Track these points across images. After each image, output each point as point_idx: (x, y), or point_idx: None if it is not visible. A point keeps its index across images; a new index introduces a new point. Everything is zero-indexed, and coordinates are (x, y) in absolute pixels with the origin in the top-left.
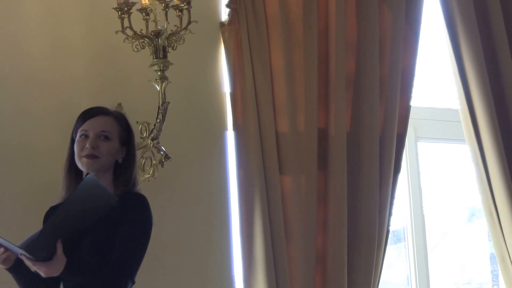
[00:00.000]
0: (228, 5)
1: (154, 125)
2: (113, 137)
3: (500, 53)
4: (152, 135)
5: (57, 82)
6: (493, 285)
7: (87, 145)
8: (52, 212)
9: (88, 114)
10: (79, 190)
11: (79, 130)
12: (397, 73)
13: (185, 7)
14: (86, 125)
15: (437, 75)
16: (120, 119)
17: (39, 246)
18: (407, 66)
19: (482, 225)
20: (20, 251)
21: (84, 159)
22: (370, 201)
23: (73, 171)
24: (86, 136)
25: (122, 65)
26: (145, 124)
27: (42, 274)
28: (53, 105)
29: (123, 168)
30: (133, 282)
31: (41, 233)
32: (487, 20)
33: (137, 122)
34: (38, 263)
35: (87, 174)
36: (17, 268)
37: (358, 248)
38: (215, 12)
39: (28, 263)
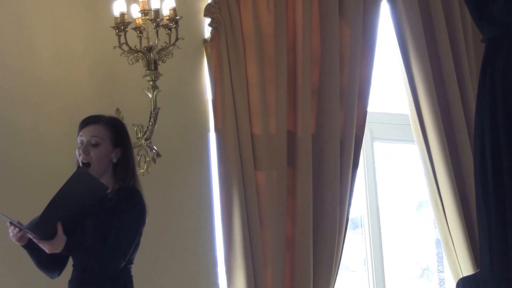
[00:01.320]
0: (210, 24)
1: (147, 127)
2: (102, 142)
3: (444, 65)
4: (145, 136)
5: (63, 87)
6: (438, 266)
7: (81, 152)
8: (78, 172)
9: (83, 123)
10: (71, 180)
11: (78, 137)
12: (355, 83)
13: (173, 26)
14: (81, 133)
15: (390, 84)
16: (109, 125)
17: (40, 227)
18: (364, 76)
19: (428, 214)
20: (26, 231)
21: (81, 166)
22: (332, 193)
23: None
24: (81, 143)
25: (119, 76)
26: (140, 126)
27: (46, 251)
28: (59, 106)
29: (119, 166)
30: (128, 263)
31: (41, 216)
32: (434, 37)
33: (133, 125)
34: (41, 241)
35: (79, 166)
36: (30, 246)
37: (322, 234)
38: (199, 31)
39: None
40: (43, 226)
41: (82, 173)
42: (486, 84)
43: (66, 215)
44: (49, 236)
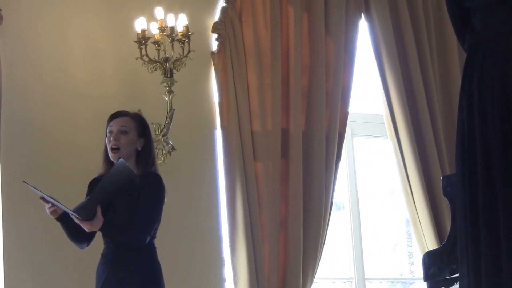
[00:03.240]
0: (217, 39)
1: (164, 125)
2: (130, 131)
3: (413, 72)
4: (162, 133)
5: (94, 93)
6: (407, 241)
7: (112, 138)
8: (93, 182)
9: (113, 116)
10: (113, 171)
11: (107, 128)
12: (338, 88)
13: (186, 40)
14: (111, 124)
15: (368, 89)
16: (135, 117)
17: (84, 210)
18: (345, 83)
19: (400, 198)
20: (71, 213)
21: (110, 152)
22: (318, 181)
23: (108, 159)
24: (111, 132)
25: (141, 82)
26: (158, 124)
27: (86, 230)
28: (90, 112)
29: (142, 153)
30: (152, 237)
31: (88, 201)
32: (404, 49)
33: (152, 123)
34: (83, 222)
35: (119, 158)
36: (62, 218)
37: (310, 215)
38: (208, 45)
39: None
40: (86, 210)
41: (122, 164)
42: (465, 85)
43: (106, 200)
44: (89, 217)
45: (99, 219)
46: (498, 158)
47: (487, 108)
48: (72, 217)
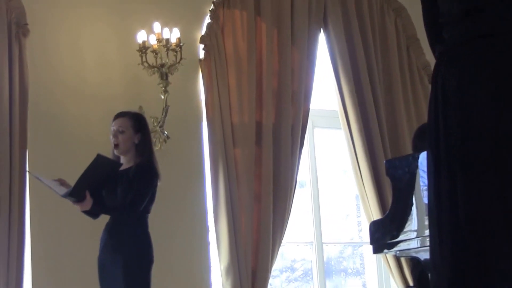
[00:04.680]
0: (203, 49)
1: (161, 118)
2: (126, 129)
3: (362, 75)
4: (159, 125)
5: (103, 96)
6: (356, 212)
7: (112, 137)
8: (98, 157)
9: (114, 117)
10: (91, 164)
11: (111, 127)
12: (302, 88)
13: (178, 50)
14: (112, 124)
15: (325, 89)
16: (132, 117)
17: (72, 194)
18: (307, 84)
19: (351, 177)
20: (65, 196)
21: (114, 149)
22: (286, 164)
23: (115, 155)
24: (112, 131)
25: (142, 83)
26: (155, 118)
27: (79, 209)
28: (101, 109)
29: (139, 146)
30: (146, 212)
31: (74, 186)
32: (354, 56)
33: (151, 117)
34: (76, 203)
35: (98, 154)
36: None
37: (279, 192)
38: (196, 53)
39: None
40: (74, 194)
41: (99, 158)
42: (432, 90)
43: (93, 184)
44: (79, 198)
45: (88, 201)
46: (458, 153)
47: (449, 110)
48: (67, 199)
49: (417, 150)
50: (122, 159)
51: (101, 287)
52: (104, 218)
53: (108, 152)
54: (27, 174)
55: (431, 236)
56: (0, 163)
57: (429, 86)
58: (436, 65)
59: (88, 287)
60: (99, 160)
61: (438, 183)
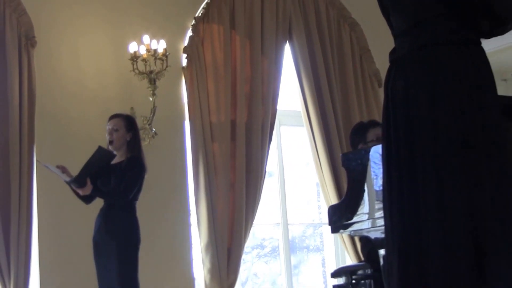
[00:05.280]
0: (186, 58)
1: (149, 118)
2: (120, 128)
3: (321, 81)
4: (148, 123)
5: (101, 98)
6: (317, 198)
7: (108, 134)
8: (99, 149)
9: (109, 118)
10: (94, 154)
11: (107, 126)
12: (270, 92)
13: (164, 58)
14: (108, 124)
15: (290, 92)
16: (124, 118)
17: (77, 180)
18: (275, 88)
19: (312, 168)
20: (70, 182)
21: (109, 145)
22: (256, 157)
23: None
24: (108, 130)
25: (133, 87)
26: (145, 117)
27: (81, 193)
28: (99, 110)
29: (131, 143)
30: (134, 199)
31: (78, 174)
32: (315, 64)
33: (141, 116)
34: (77, 188)
35: (99, 146)
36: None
37: (250, 180)
38: (180, 62)
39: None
40: (78, 180)
41: (100, 149)
42: (385, 91)
43: (93, 172)
44: (82, 185)
45: (88, 186)
46: (404, 147)
47: (397, 107)
48: (71, 185)
49: (353, 144)
50: (116, 155)
51: (96, 263)
52: (99, 204)
53: (104, 146)
54: (35, 163)
55: (385, 227)
56: (12, 154)
57: (379, 90)
58: (388, 71)
59: (85, 261)
60: (100, 151)
61: (390, 176)
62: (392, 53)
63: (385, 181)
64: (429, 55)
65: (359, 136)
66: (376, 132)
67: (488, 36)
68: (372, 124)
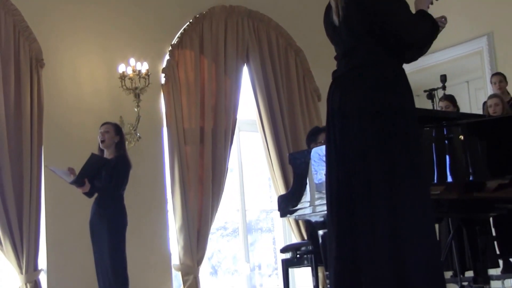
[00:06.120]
0: (164, 77)
1: (135, 124)
2: (110, 131)
3: (272, 95)
4: (133, 129)
5: (95, 110)
6: (269, 189)
7: (100, 136)
8: (92, 155)
9: (101, 125)
10: (88, 160)
11: (99, 130)
12: (231, 104)
13: (147, 77)
14: (100, 129)
15: (248, 104)
16: (113, 124)
17: (76, 182)
18: (235, 102)
19: (265, 165)
20: (71, 183)
21: (100, 143)
22: (220, 156)
23: (99, 147)
24: (100, 132)
25: (122, 100)
26: (131, 124)
27: (81, 191)
28: (94, 119)
29: (118, 144)
30: (122, 190)
31: (78, 175)
32: (268, 83)
33: (128, 124)
34: (79, 187)
35: (92, 153)
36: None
37: (216, 176)
38: (159, 80)
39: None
40: (78, 181)
41: (92, 156)
42: (327, 103)
43: (89, 173)
44: (81, 184)
45: (86, 186)
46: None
47: (335, 118)
48: (72, 184)
49: (308, 144)
50: (105, 153)
51: (91, 241)
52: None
53: (96, 148)
54: (43, 167)
55: (327, 216)
56: (24, 154)
57: (318, 103)
58: (330, 86)
59: (83, 239)
60: (93, 157)
61: (330, 176)
62: (334, 73)
63: (326, 180)
64: (359, 74)
65: (312, 138)
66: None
67: (408, 61)
68: (324, 129)
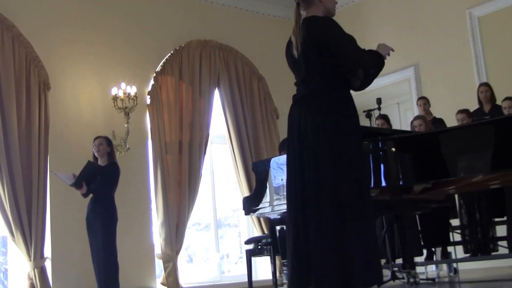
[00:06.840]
0: (149, 98)
1: (125, 138)
2: (103, 143)
3: (239, 115)
4: (124, 141)
5: (93, 125)
6: (236, 191)
7: (95, 147)
8: (88, 162)
9: (95, 138)
10: (85, 167)
11: (93, 143)
12: (204, 121)
13: (135, 98)
14: (94, 142)
15: (219, 121)
16: (105, 137)
17: (76, 184)
18: (208, 119)
19: (233, 172)
20: (71, 185)
21: (96, 153)
22: (195, 165)
23: (94, 156)
24: (95, 144)
25: (115, 117)
26: (122, 137)
27: (80, 192)
28: (91, 133)
29: (110, 154)
30: (113, 192)
31: (77, 179)
32: (235, 104)
33: (119, 137)
34: (77, 189)
35: (88, 161)
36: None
37: (192, 181)
38: (145, 101)
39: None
40: (76, 183)
41: (88, 162)
42: (288, 121)
43: (86, 176)
44: (79, 186)
45: (84, 188)
46: (295, 172)
47: (293, 133)
48: (71, 186)
49: (279, 152)
50: (99, 161)
51: (88, 234)
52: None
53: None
54: (48, 172)
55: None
56: (33, 162)
57: (277, 121)
58: (290, 108)
59: (81, 232)
60: (89, 164)
61: (289, 181)
62: (294, 96)
63: (287, 184)
64: (315, 97)
65: (283, 147)
66: None
67: (357, 89)
68: None
